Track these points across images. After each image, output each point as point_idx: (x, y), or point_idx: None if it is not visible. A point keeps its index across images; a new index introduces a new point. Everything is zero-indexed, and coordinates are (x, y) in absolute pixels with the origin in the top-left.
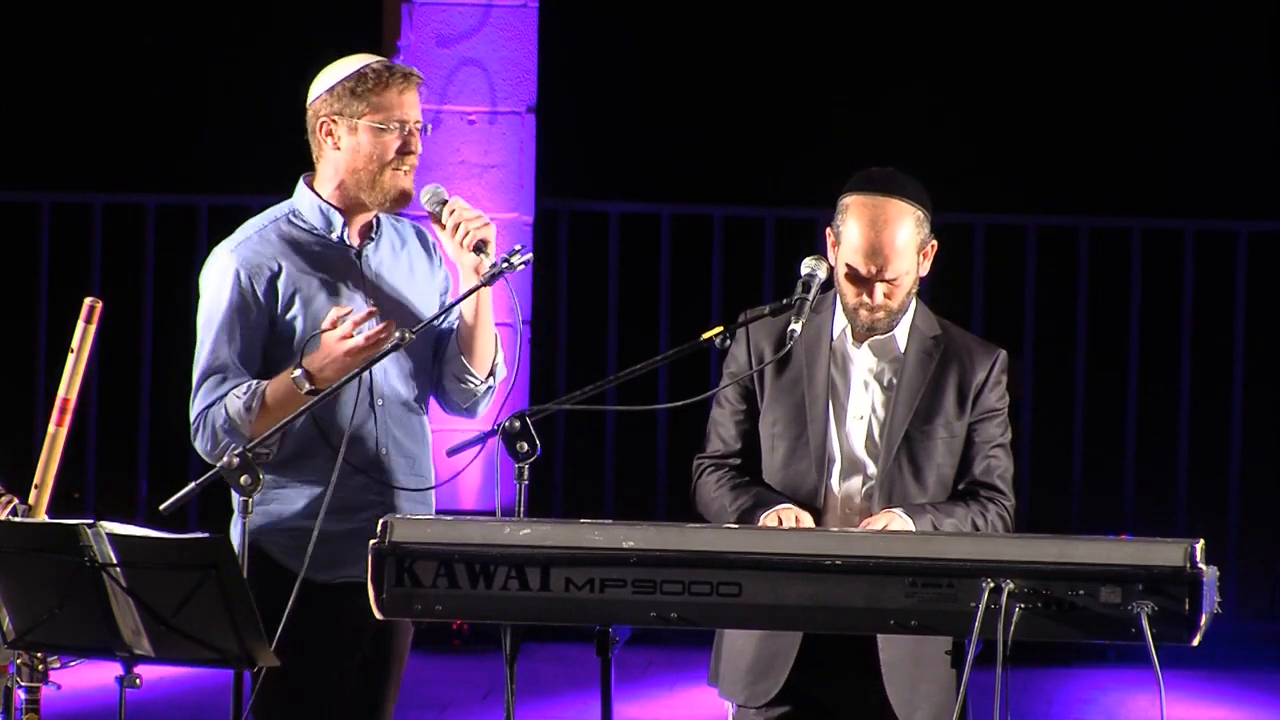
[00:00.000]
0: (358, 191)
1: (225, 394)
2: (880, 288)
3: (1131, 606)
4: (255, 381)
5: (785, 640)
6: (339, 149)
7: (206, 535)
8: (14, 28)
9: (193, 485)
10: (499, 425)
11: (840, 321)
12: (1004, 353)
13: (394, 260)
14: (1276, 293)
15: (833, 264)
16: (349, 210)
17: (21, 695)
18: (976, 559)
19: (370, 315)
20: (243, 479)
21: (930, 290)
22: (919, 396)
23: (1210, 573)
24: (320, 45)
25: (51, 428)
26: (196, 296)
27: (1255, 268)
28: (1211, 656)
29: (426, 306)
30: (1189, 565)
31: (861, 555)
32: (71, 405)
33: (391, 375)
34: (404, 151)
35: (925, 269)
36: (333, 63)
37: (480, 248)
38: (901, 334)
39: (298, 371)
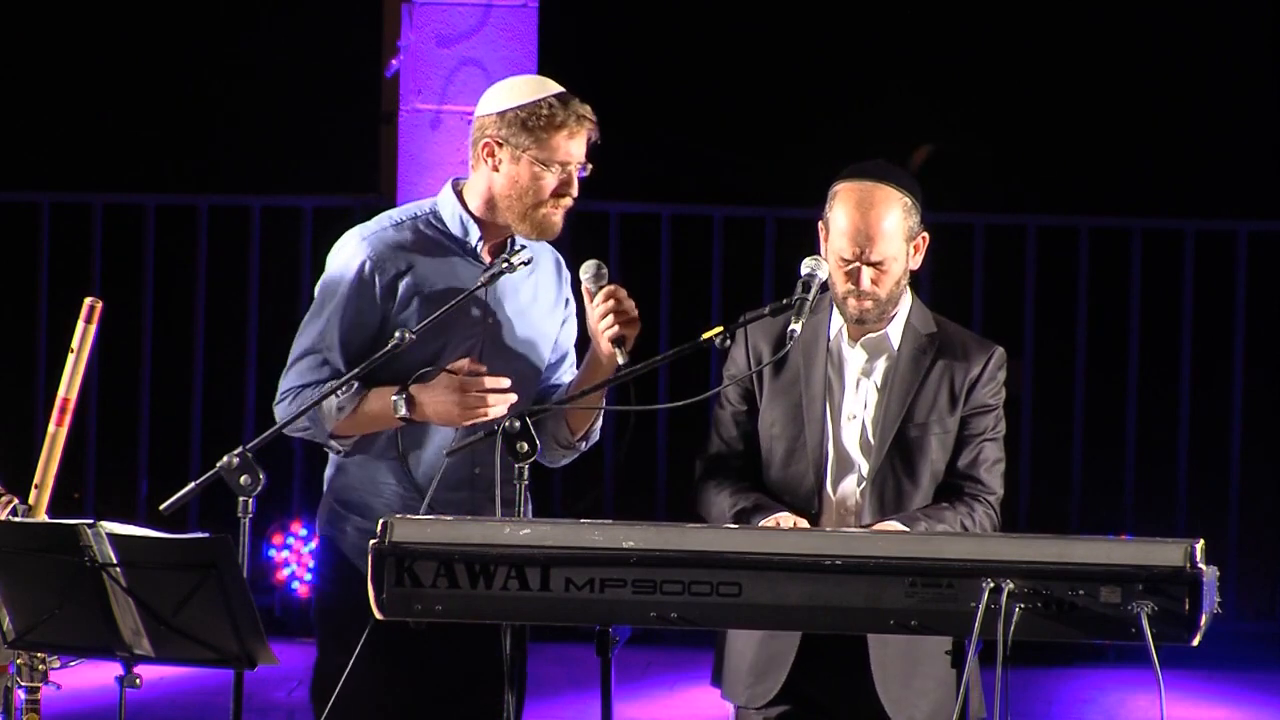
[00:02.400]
0: (507, 218)
1: (325, 379)
2: (867, 273)
3: (1131, 606)
4: (357, 384)
5: (785, 641)
6: (498, 172)
7: (206, 535)
8: (14, 28)
9: (193, 485)
10: (499, 425)
11: (837, 321)
12: (1000, 349)
13: (520, 283)
14: (1276, 293)
15: (825, 257)
16: (489, 226)
17: (21, 695)
18: (976, 559)
19: (498, 384)
20: (243, 479)
21: (930, 290)
22: (912, 394)
23: (1210, 573)
24: (321, 45)
25: (51, 428)
26: (197, 297)
27: (1255, 268)
28: (1211, 656)
29: (542, 335)
30: (1189, 565)
31: (861, 555)
32: (71, 405)
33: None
34: (561, 194)
35: (916, 262)
36: (511, 80)
37: (619, 342)
38: (896, 331)
39: (402, 396)
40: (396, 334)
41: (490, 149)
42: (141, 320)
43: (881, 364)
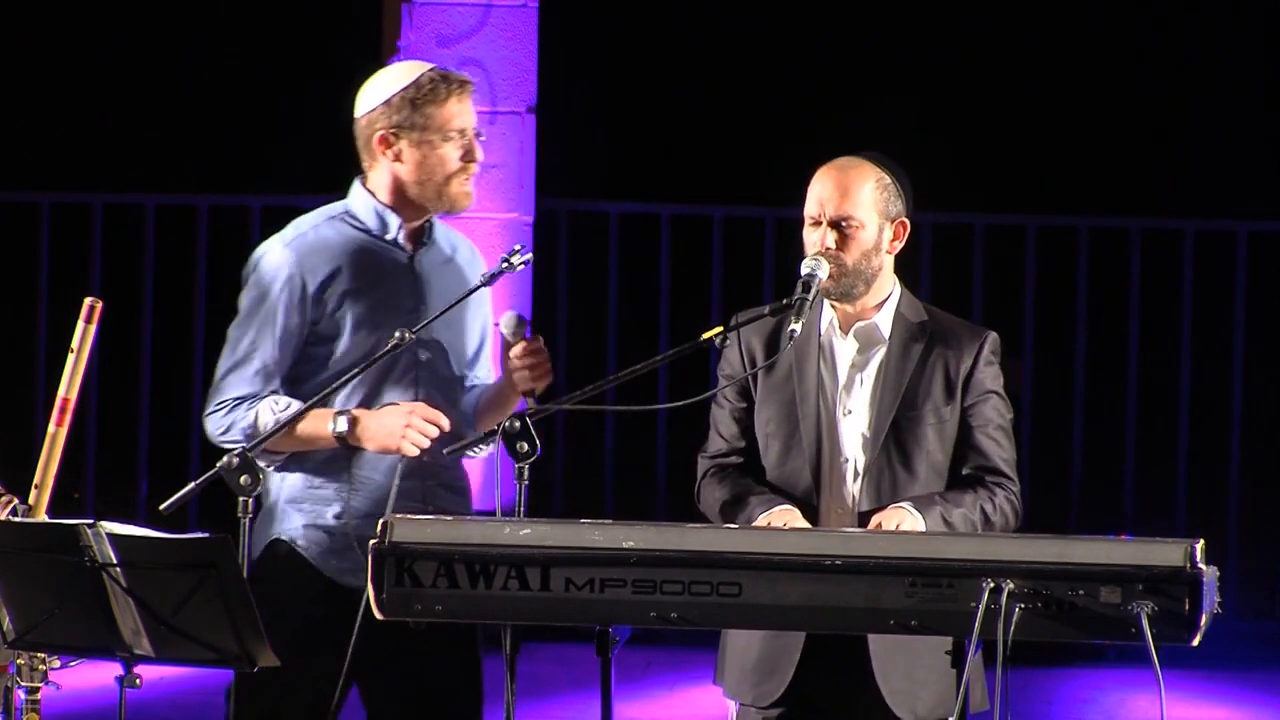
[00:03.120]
0: (422, 200)
1: (260, 393)
2: (830, 235)
3: (1131, 606)
4: (293, 401)
5: (789, 640)
6: (400, 161)
7: (206, 535)
8: (14, 28)
9: (192, 485)
10: (499, 425)
11: (828, 314)
12: (993, 334)
13: (445, 267)
14: (1276, 293)
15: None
16: (404, 213)
17: (21, 695)
18: (976, 559)
19: (440, 421)
20: (242, 479)
21: (930, 290)
22: (906, 383)
23: (1210, 573)
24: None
25: (51, 428)
26: (197, 297)
27: (1255, 268)
28: (1211, 656)
29: (471, 318)
30: (1189, 565)
31: (861, 555)
32: (71, 405)
33: (435, 388)
34: (468, 160)
35: (895, 246)
36: (379, 73)
37: (530, 393)
38: (886, 321)
39: (343, 418)
40: (397, 334)
41: (386, 140)
42: (141, 320)
43: (873, 355)
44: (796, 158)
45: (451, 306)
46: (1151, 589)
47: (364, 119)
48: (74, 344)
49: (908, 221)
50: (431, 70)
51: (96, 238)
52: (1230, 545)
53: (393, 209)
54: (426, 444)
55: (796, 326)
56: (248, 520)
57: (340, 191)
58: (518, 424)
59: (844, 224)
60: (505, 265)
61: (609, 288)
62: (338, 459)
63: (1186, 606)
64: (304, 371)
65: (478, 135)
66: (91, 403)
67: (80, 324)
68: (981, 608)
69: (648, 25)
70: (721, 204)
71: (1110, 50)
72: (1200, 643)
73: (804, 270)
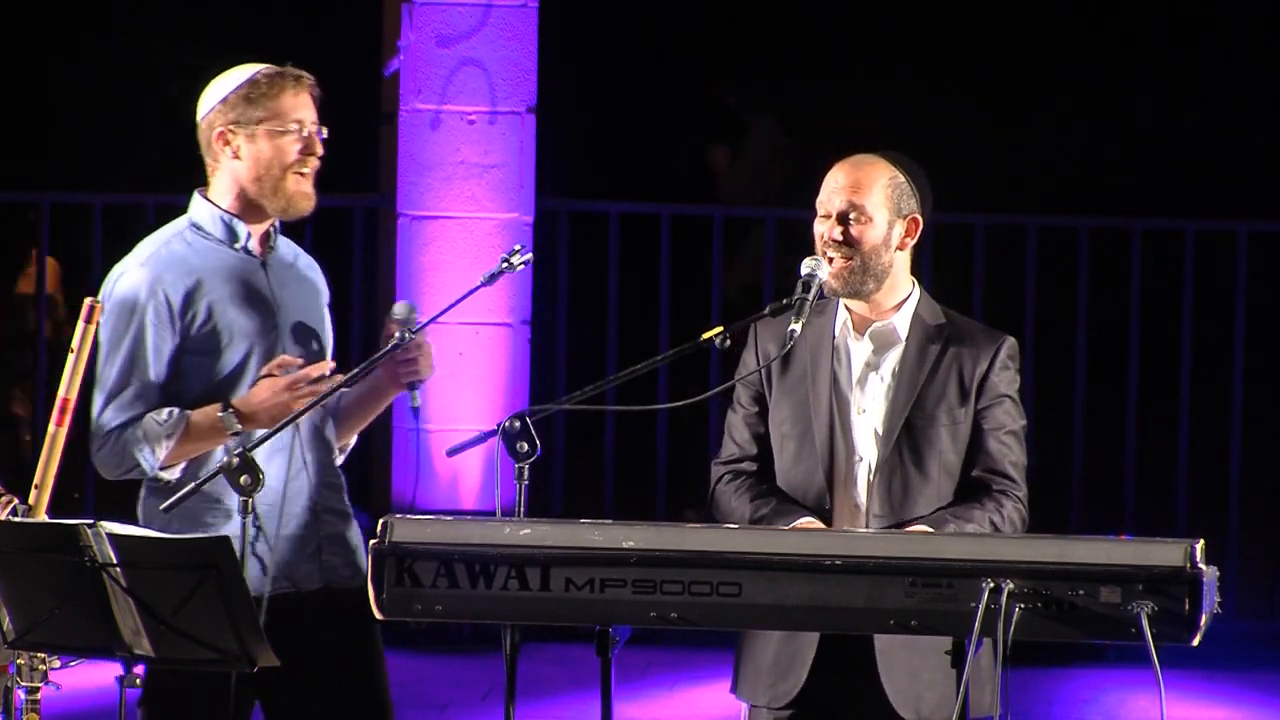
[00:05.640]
0: (260, 199)
1: (140, 415)
2: (837, 228)
3: (1131, 606)
4: (177, 410)
5: (803, 642)
6: (239, 158)
7: (206, 535)
8: (14, 27)
9: (192, 485)
10: (499, 425)
11: (842, 315)
12: (1011, 339)
13: (290, 272)
14: (1276, 293)
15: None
16: (247, 218)
17: (21, 695)
18: (976, 559)
19: (321, 371)
20: (242, 479)
21: (930, 291)
22: (920, 385)
23: (1210, 573)
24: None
25: (51, 428)
26: None
27: (1255, 268)
28: (1211, 656)
29: (320, 330)
30: (1189, 565)
31: (861, 555)
32: (71, 405)
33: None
34: (305, 153)
35: (905, 243)
36: (219, 75)
37: (414, 385)
38: (903, 322)
39: (227, 410)
40: (397, 333)
41: (224, 137)
42: None
43: (888, 356)
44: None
45: (452, 307)
46: (1151, 589)
47: (204, 121)
48: (74, 344)
49: (920, 219)
50: (268, 67)
51: (96, 238)
52: (1230, 545)
53: (238, 216)
54: (317, 392)
55: (796, 327)
56: (248, 520)
57: (339, 191)
58: (518, 424)
59: (852, 216)
60: (505, 265)
61: (609, 288)
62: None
63: (1186, 606)
64: (183, 388)
65: (319, 132)
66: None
67: (80, 324)
68: (981, 608)
69: (648, 25)
70: (721, 204)
71: (1110, 50)
72: (1200, 643)
73: (804, 270)
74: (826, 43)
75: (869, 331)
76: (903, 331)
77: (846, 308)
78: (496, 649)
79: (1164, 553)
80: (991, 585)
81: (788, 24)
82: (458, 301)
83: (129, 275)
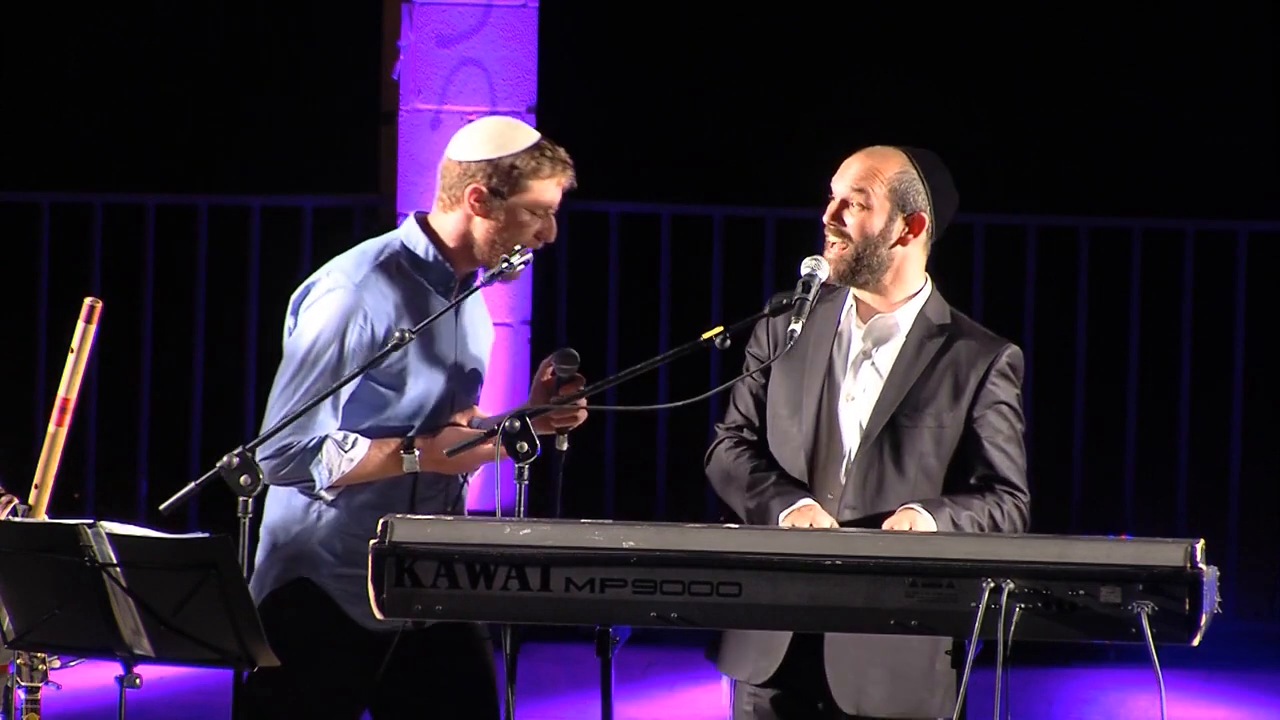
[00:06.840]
0: (482, 259)
1: (322, 436)
2: (836, 214)
3: (1131, 606)
4: (359, 438)
5: None
6: (484, 218)
7: (206, 535)
8: (14, 27)
9: (192, 485)
10: (499, 425)
11: (849, 301)
12: (1014, 348)
13: (474, 319)
14: (1276, 293)
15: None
16: (459, 264)
17: (21, 695)
18: (976, 559)
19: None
20: (242, 479)
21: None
22: (912, 382)
23: (1210, 573)
24: (321, 45)
25: (51, 428)
26: (197, 297)
27: (1255, 268)
28: (1211, 656)
29: (485, 370)
30: (1189, 565)
31: (861, 555)
32: (71, 405)
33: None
34: (541, 239)
35: (908, 239)
36: (488, 124)
37: (563, 430)
38: (906, 318)
39: (411, 450)
40: (397, 333)
41: (479, 195)
42: (141, 320)
43: (886, 348)
44: (797, 158)
45: (449, 308)
46: (1151, 589)
47: (462, 165)
48: (74, 344)
49: (928, 218)
50: (542, 142)
51: (96, 238)
52: (1230, 545)
53: (451, 260)
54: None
55: (796, 327)
56: (248, 520)
57: (339, 191)
58: (518, 424)
59: (851, 200)
60: (505, 266)
61: (609, 288)
62: (395, 505)
63: (1186, 606)
64: (351, 411)
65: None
66: (91, 403)
67: (80, 324)
68: (981, 608)
69: (648, 25)
70: (721, 204)
71: (1111, 50)
72: (1200, 643)
73: (804, 270)
74: (826, 43)
75: (869, 322)
76: (904, 326)
77: (855, 296)
78: (496, 649)
79: (1164, 553)
80: (992, 585)
81: (788, 24)
82: (457, 301)
83: (340, 293)
